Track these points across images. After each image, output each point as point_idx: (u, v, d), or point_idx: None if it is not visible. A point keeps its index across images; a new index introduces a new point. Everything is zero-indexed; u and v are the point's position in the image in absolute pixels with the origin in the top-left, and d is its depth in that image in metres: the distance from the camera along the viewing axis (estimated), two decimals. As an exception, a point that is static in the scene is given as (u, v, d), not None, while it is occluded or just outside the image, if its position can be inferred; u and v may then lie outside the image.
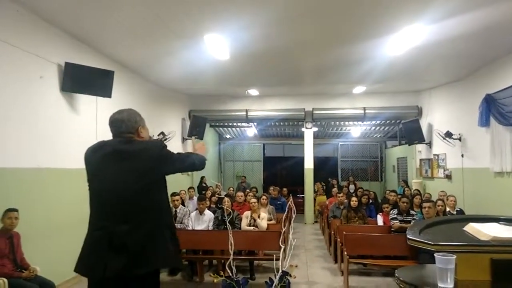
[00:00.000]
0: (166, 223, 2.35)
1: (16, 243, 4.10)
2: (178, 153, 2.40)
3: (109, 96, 5.90)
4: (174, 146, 9.74)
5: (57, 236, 4.95)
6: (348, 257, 5.14)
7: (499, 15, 4.96)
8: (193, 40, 5.89)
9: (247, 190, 10.28)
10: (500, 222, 2.42)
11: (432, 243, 2.07)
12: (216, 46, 6.14)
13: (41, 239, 4.84)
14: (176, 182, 8.73)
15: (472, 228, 2.31)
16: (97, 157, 2.27)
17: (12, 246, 4.02)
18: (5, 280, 3.68)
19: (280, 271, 2.53)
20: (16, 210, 4.06)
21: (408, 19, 5.11)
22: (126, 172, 2.19)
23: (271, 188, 9.72)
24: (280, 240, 4.68)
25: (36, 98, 4.91)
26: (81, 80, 5.47)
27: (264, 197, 7.32)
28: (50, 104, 5.20)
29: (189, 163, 2.39)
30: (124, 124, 2.35)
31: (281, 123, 13.39)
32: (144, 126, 2.45)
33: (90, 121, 6.06)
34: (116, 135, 2.36)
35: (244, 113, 10.99)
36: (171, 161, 2.32)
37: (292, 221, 5.88)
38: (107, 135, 2.41)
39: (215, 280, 2.60)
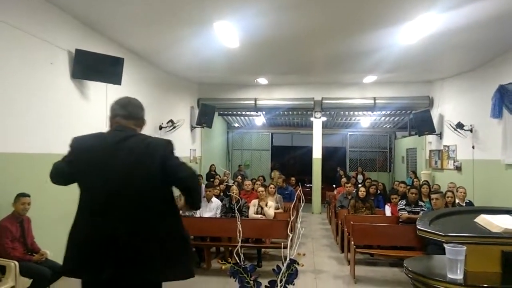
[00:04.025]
0: (178, 229, 2.12)
1: (27, 227, 4.17)
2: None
3: (119, 83, 5.92)
4: (183, 134, 9.78)
5: (67, 221, 5.00)
6: (355, 246, 5.15)
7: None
8: (202, 27, 5.84)
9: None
10: (512, 214, 2.39)
11: (442, 234, 2.06)
12: (226, 34, 6.09)
13: (52, 223, 4.90)
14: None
15: (484, 219, 2.28)
16: (99, 151, 2.05)
17: (23, 230, 4.09)
18: (16, 263, 3.75)
19: (288, 259, 2.54)
20: (28, 196, 4.10)
21: (422, 7, 4.99)
22: (132, 170, 2.00)
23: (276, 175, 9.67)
24: (288, 229, 4.70)
25: (46, 84, 4.93)
26: (91, 67, 5.48)
27: (271, 186, 7.35)
28: (61, 91, 5.23)
29: (191, 173, 2.12)
30: (142, 111, 2.25)
31: (290, 112, 13.35)
32: None
33: (100, 108, 6.07)
34: (129, 117, 2.16)
35: (252, 101, 10.94)
36: (174, 161, 2.08)
37: (300, 210, 5.90)
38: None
39: (223, 267, 2.61)
